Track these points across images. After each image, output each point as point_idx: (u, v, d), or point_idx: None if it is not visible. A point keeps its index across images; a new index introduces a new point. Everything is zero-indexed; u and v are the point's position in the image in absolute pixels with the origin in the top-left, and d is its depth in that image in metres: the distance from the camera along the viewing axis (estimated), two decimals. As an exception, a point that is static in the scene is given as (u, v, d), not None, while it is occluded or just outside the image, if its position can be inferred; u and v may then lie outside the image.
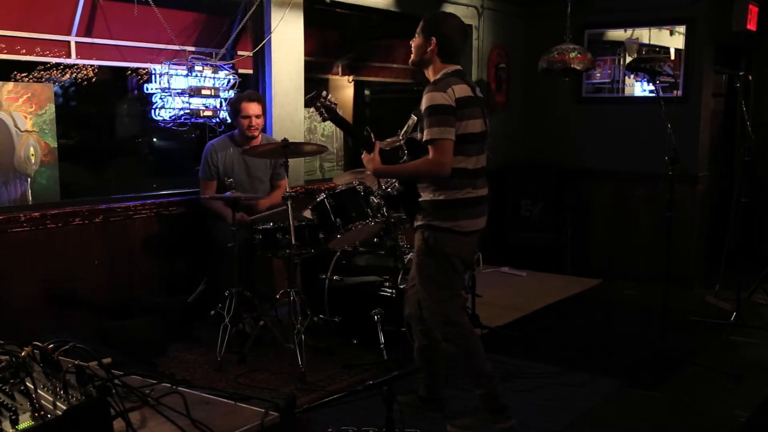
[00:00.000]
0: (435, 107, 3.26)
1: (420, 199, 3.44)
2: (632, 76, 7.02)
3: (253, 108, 4.79)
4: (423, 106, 3.31)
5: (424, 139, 3.29)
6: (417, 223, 3.47)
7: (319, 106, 3.54)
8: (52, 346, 1.75)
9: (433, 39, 3.42)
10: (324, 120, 3.61)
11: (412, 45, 3.53)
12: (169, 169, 5.86)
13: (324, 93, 3.57)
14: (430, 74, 3.48)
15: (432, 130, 3.24)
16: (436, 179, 3.33)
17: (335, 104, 3.60)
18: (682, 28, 6.83)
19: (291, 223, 4.15)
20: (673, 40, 6.93)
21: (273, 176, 5.05)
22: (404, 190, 3.53)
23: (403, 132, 3.60)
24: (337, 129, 6.32)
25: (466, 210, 3.39)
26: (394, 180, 4.26)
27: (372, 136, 3.53)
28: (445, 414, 3.71)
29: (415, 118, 3.47)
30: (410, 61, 3.57)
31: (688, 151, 6.39)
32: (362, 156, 3.55)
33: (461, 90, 3.33)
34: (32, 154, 4.33)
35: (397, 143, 3.53)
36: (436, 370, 3.73)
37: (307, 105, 3.66)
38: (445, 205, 3.37)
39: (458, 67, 3.47)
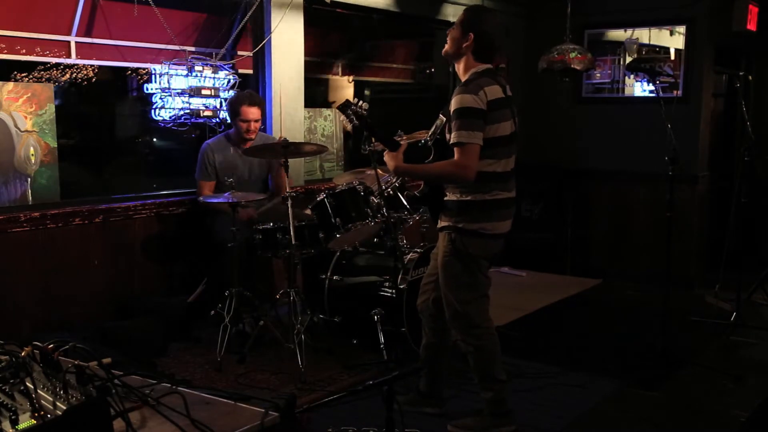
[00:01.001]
0: (464, 110, 3.19)
1: (445, 198, 3.40)
2: (632, 76, 7.02)
3: (253, 112, 4.79)
4: (452, 107, 3.24)
5: (451, 142, 3.23)
6: (442, 224, 3.42)
7: (350, 114, 3.55)
8: (52, 346, 1.75)
9: (471, 35, 3.32)
10: (353, 126, 3.60)
11: (449, 36, 3.43)
12: (169, 169, 5.86)
13: (355, 100, 3.58)
14: (461, 70, 3.40)
15: (460, 134, 3.18)
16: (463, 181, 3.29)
17: (366, 110, 3.60)
18: (682, 29, 6.83)
19: (291, 223, 4.15)
20: (673, 40, 6.93)
21: (270, 170, 5.04)
22: (428, 191, 3.48)
23: (431, 132, 3.53)
24: (337, 129, 6.32)
25: (493, 212, 3.35)
26: (395, 180, 4.26)
27: (401, 139, 3.50)
28: (443, 412, 3.70)
29: (444, 118, 3.41)
30: (444, 51, 3.46)
31: (688, 151, 6.39)
32: (384, 154, 3.48)
33: (493, 92, 3.26)
34: (32, 154, 4.33)
35: (423, 140, 3.50)
36: (439, 369, 3.72)
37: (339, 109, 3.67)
38: (471, 206, 3.32)
39: (490, 65, 3.38)
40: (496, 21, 3.42)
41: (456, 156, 3.21)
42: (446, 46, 3.45)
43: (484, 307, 3.49)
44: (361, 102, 3.57)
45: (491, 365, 3.44)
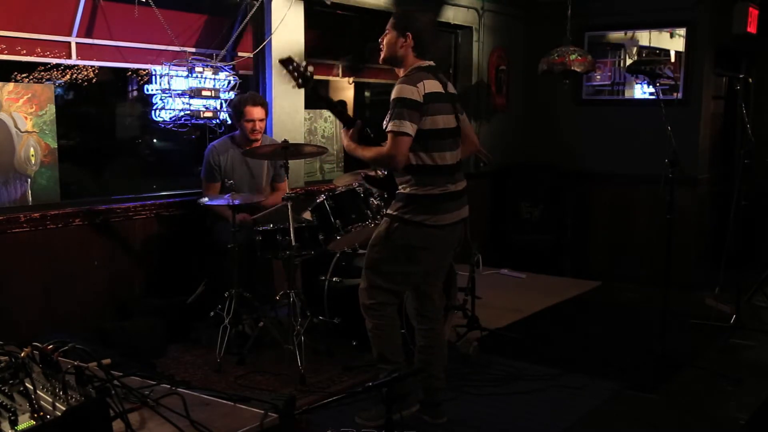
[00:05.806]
0: (401, 100, 3.31)
1: (397, 191, 3.48)
2: (632, 78, 7.02)
3: (257, 112, 4.78)
4: (392, 96, 3.36)
5: (384, 128, 3.35)
6: (387, 211, 3.52)
7: (291, 70, 3.59)
8: (51, 346, 1.75)
9: (409, 34, 3.45)
10: (300, 86, 3.61)
11: (383, 42, 3.53)
12: (170, 170, 5.86)
13: (300, 59, 3.60)
14: (401, 71, 3.51)
15: (393, 123, 3.31)
16: (397, 172, 3.41)
17: (311, 73, 3.61)
18: (682, 31, 6.83)
19: (291, 224, 4.15)
20: (673, 42, 6.94)
21: (273, 178, 5.05)
22: (388, 174, 3.60)
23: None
24: (337, 130, 6.32)
25: (442, 205, 3.42)
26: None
27: (354, 118, 3.58)
28: (439, 423, 3.63)
29: (361, 123, 3.57)
30: (381, 58, 3.56)
31: (688, 153, 6.39)
32: (341, 131, 3.62)
33: (431, 86, 3.38)
34: (32, 155, 4.33)
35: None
36: (434, 372, 3.68)
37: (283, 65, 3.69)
38: (419, 199, 3.40)
39: (431, 62, 3.51)
40: (430, 19, 3.57)
41: (387, 144, 3.34)
42: (383, 53, 3.55)
43: (391, 297, 3.57)
44: (306, 64, 3.60)
45: (384, 346, 3.56)
